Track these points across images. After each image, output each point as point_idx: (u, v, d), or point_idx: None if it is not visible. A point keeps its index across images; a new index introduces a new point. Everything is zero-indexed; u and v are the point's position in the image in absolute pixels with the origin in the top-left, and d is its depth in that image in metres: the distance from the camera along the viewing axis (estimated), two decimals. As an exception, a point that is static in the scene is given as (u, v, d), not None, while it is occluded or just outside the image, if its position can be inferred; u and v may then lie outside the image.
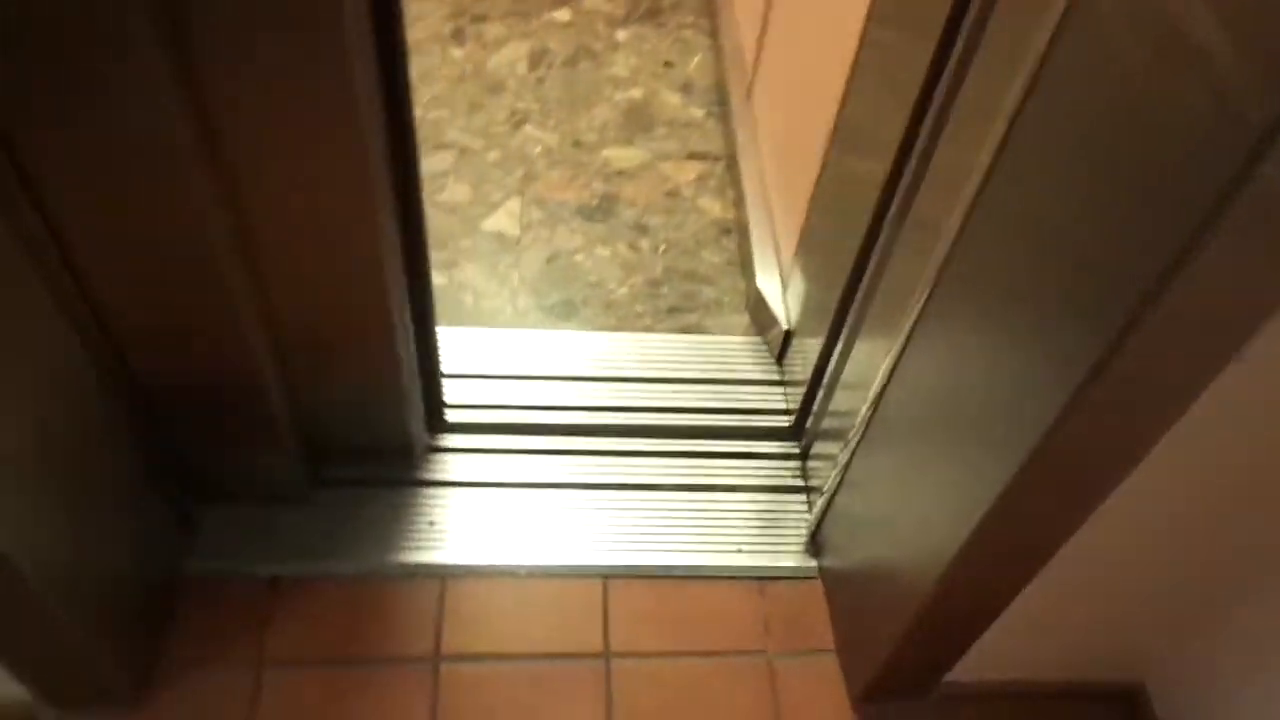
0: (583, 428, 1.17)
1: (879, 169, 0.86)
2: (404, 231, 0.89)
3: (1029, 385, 0.63)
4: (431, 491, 1.11)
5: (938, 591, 0.80)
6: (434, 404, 1.13)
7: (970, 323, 0.72)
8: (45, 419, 0.75)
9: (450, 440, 1.15)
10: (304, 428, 1.02)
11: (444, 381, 1.12)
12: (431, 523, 1.08)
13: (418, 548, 1.06)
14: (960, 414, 0.74)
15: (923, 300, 0.77)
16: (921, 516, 0.82)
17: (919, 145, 0.81)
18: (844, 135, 0.99)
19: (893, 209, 0.87)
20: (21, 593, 0.74)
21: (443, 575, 1.05)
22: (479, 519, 1.09)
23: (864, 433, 0.92)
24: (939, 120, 0.77)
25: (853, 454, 0.96)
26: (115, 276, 0.78)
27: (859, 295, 0.97)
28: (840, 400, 1.05)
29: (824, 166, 1.04)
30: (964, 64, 0.73)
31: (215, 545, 1.04)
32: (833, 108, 0.99)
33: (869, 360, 0.93)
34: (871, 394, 0.88)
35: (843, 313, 1.00)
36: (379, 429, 1.06)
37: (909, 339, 0.81)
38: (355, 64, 0.68)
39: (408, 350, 0.98)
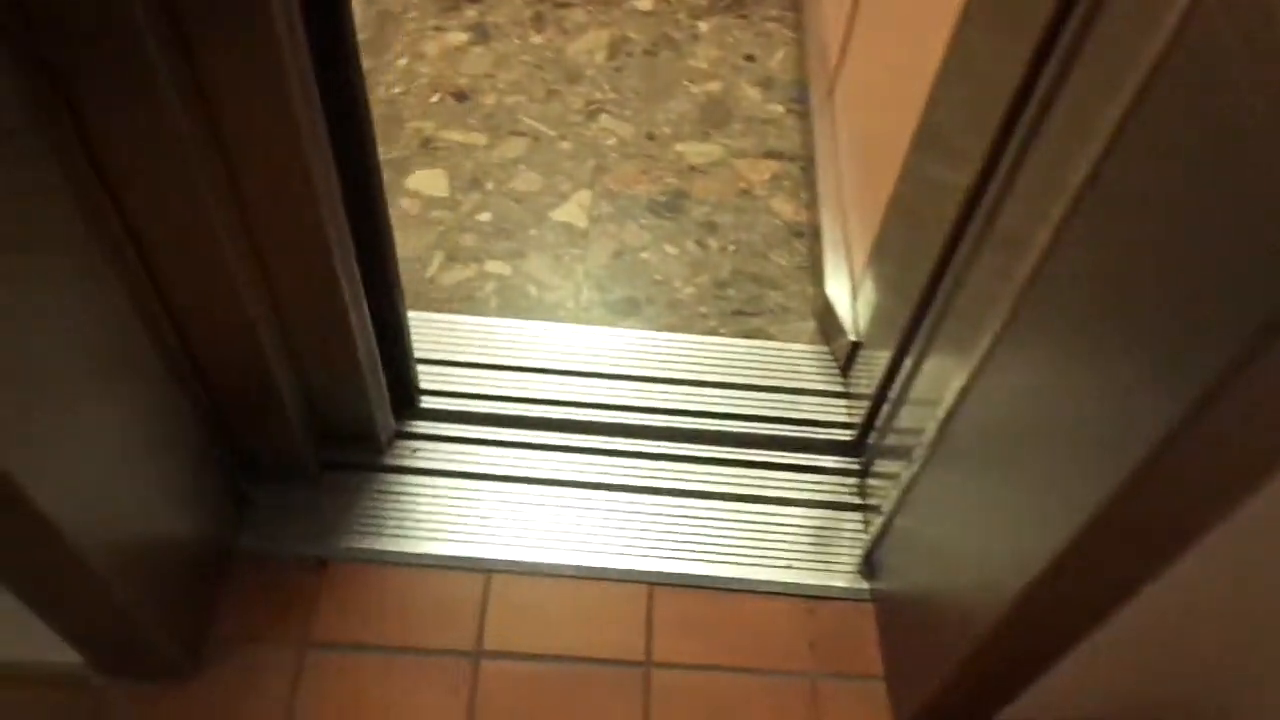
0: (636, 429, 1.15)
1: (963, 178, 0.82)
2: (358, 218, 0.88)
3: (1115, 418, 0.59)
4: (446, 482, 1.10)
5: (998, 627, 0.76)
6: (407, 393, 1.13)
7: (1054, 347, 0.68)
8: (108, 390, 0.76)
9: (458, 430, 1.15)
10: (306, 405, 1.03)
11: (482, 371, 1.12)
12: (482, 517, 1.07)
13: (468, 540, 1.05)
14: (1037, 442, 0.70)
15: (1003, 319, 0.73)
16: (985, 546, 0.78)
17: (1008, 156, 0.76)
18: (927, 140, 0.94)
19: (975, 221, 0.82)
20: (77, 563, 0.75)
21: (489, 570, 1.04)
22: (527, 516, 1.08)
23: (930, 453, 0.88)
24: (1031, 131, 0.73)
25: (916, 474, 0.92)
26: (160, 255, 0.80)
27: (933, 309, 0.92)
28: (906, 417, 1.00)
29: (904, 172, 1.00)
30: (1063, 73, 0.68)
31: (269, 524, 1.05)
32: (917, 111, 0.95)
33: (939, 377, 0.89)
34: (940, 413, 0.84)
35: (914, 326, 0.96)
36: (349, 414, 1.06)
37: (985, 358, 0.77)
38: (283, 45, 0.67)
39: (365, 334, 0.97)
